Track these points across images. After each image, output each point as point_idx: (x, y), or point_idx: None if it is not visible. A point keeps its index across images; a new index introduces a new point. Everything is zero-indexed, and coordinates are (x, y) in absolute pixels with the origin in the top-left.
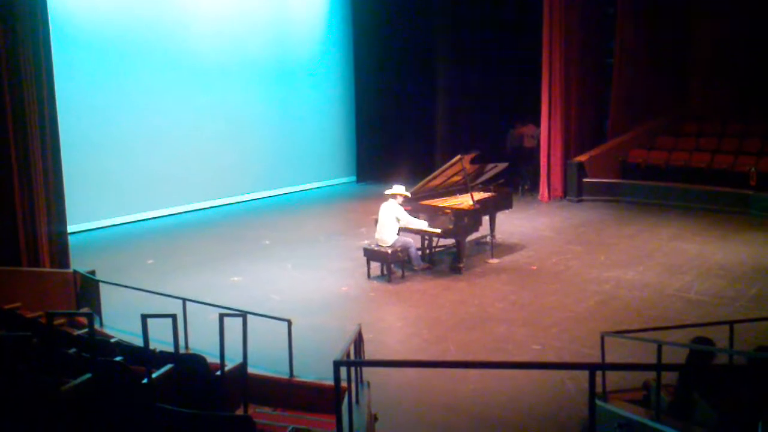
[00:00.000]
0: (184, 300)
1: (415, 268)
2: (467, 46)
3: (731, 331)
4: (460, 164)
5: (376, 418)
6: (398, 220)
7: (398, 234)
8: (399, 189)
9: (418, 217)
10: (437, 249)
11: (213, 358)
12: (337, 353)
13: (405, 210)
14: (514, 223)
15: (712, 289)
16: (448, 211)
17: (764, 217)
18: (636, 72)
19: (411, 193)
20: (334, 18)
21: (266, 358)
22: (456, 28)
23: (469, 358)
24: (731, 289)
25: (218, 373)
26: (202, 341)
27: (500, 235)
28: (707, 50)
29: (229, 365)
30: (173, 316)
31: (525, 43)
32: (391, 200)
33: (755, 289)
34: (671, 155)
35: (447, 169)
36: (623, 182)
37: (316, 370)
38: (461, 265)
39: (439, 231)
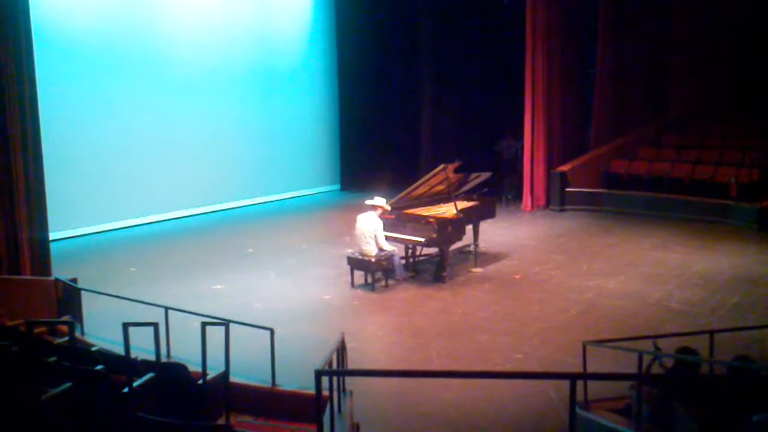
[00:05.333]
0: (167, 308)
1: (397, 277)
2: (452, 56)
3: (711, 340)
4: (443, 173)
5: (357, 428)
6: (375, 234)
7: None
8: (380, 201)
9: (399, 230)
10: (421, 258)
11: (195, 367)
12: (319, 362)
13: (387, 219)
14: (497, 233)
15: (692, 298)
16: (432, 220)
17: (744, 228)
18: (617, 83)
19: (395, 202)
20: (318, 26)
21: (248, 366)
22: (441, 39)
23: (452, 366)
24: (712, 299)
25: (200, 381)
26: (184, 350)
27: (483, 245)
28: (687, 61)
29: (211, 374)
30: (155, 325)
31: (508, 55)
32: (370, 212)
33: (735, 298)
34: (652, 165)
35: (431, 178)
36: (605, 192)
37: (298, 379)
38: (445, 274)
39: (422, 240)
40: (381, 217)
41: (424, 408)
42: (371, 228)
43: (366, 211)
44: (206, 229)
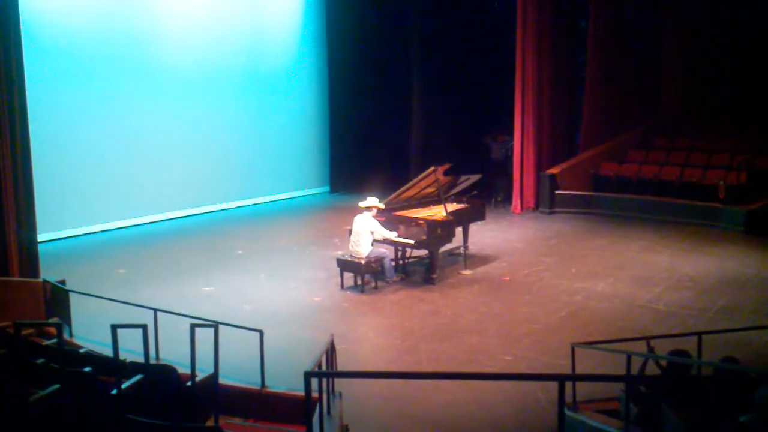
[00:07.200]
0: (155, 310)
1: (388, 280)
2: (443, 58)
3: (699, 342)
4: (433, 175)
5: (347, 429)
6: (372, 233)
7: (372, 246)
8: (373, 201)
9: (391, 229)
10: (410, 260)
11: (184, 369)
12: (308, 364)
13: (377, 221)
14: (486, 235)
15: (681, 300)
16: (422, 222)
17: (732, 230)
18: (608, 85)
19: (384, 204)
20: (309, 27)
21: (238, 368)
22: (432, 41)
23: (441, 368)
24: (700, 301)
25: (189, 383)
26: (173, 352)
27: (473, 247)
28: (677, 64)
29: (200, 376)
30: (143, 327)
31: (498, 56)
32: (365, 213)
33: (723, 300)
34: (642, 168)
35: (420, 180)
36: (595, 195)
37: (287, 381)
38: (434, 276)
39: (412, 242)
40: (375, 217)
41: (413, 409)
42: (367, 228)
43: (360, 213)
44: (195, 230)
